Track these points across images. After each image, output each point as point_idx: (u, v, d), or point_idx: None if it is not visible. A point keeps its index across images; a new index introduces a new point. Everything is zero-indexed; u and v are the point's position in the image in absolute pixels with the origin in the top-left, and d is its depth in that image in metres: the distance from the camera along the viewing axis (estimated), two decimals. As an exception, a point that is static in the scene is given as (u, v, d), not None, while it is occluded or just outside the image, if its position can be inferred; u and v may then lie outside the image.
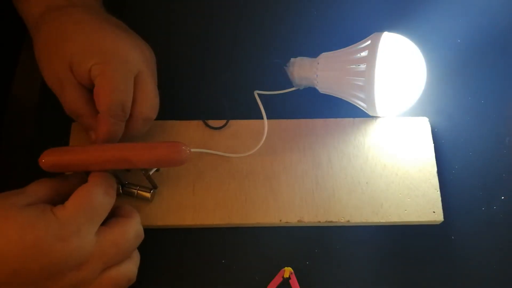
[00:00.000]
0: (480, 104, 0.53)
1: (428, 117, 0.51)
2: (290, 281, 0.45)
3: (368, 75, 0.45)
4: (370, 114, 0.48)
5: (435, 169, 0.48)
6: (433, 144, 0.49)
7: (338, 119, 0.51)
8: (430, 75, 0.48)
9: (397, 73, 0.45)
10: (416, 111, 0.51)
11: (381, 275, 0.46)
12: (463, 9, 0.57)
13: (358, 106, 0.49)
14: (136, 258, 0.42)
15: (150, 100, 0.45)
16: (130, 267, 0.41)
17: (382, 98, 0.46)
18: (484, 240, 0.47)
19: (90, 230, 0.37)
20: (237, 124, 0.51)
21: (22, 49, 0.55)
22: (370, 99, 0.46)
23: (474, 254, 0.47)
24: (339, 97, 0.50)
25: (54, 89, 0.44)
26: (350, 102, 0.49)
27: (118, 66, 0.42)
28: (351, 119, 0.51)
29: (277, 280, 0.45)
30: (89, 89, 0.44)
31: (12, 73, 0.54)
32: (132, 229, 0.40)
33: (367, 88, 0.45)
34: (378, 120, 0.51)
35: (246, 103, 0.51)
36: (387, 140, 0.50)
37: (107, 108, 0.42)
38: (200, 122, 0.51)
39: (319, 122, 0.51)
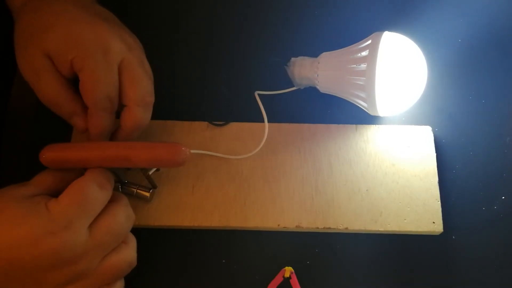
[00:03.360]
0: (480, 104, 0.53)
1: (428, 117, 0.51)
2: (291, 280, 0.45)
3: (369, 74, 0.45)
4: (371, 113, 0.48)
5: (436, 179, 0.48)
6: (435, 154, 0.49)
7: (340, 125, 0.50)
8: (431, 75, 0.48)
9: (398, 73, 0.45)
10: (417, 111, 0.51)
11: (381, 274, 0.46)
12: (464, 9, 0.57)
13: (359, 105, 0.49)
14: (132, 242, 0.41)
15: (140, 85, 0.44)
16: (129, 252, 0.41)
17: (382, 98, 0.46)
18: (484, 239, 0.47)
19: (82, 224, 0.37)
20: (238, 126, 0.50)
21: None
22: (370, 99, 0.46)
23: (475, 254, 0.47)
24: (340, 96, 0.49)
25: (29, 79, 0.43)
26: (351, 101, 0.49)
27: (99, 58, 0.42)
28: (354, 125, 0.50)
29: (277, 279, 0.45)
30: (68, 78, 0.43)
31: (12, 73, 0.54)
32: (122, 212, 0.40)
33: (368, 87, 0.45)
34: (381, 127, 0.50)
35: (246, 104, 0.51)
36: (389, 148, 0.49)
37: (95, 103, 0.42)
38: (201, 123, 0.50)
39: (321, 127, 0.50)
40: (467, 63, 0.54)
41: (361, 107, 0.49)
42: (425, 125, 0.51)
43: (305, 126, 0.50)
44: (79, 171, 0.42)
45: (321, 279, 0.45)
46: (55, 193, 0.38)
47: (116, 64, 0.43)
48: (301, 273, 0.45)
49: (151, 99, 0.45)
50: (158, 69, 0.53)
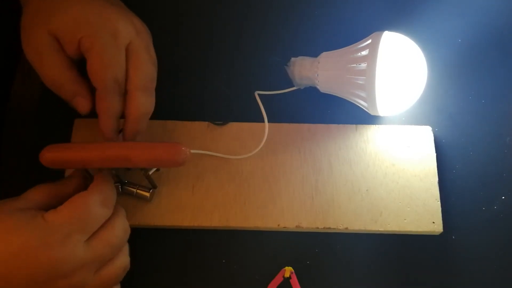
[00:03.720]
0: (480, 104, 0.53)
1: (428, 117, 0.51)
2: (291, 280, 0.45)
3: (369, 73, 0.45)
4: (371, 113, 0.48)
5: (436, 179, 0.48)
6: (435, 154, 0.49)
7: (340, 125, 0.50)
8: (431, 75, 0.48)
9: (398, 72, 0.45)
10: (417, 111, 0.51)
11: (381, 274, 0.46)
12: (463, 8, 0.57)
13: (359, 105, 0.49)
14: (125, 247, 0.41)
15: (143, 70, 0.44)
16: (124, 259, 0.40)
17: (383, 97, 0.46)
18: (484, 239, 0.47)
19: (80, 238, 0.37)
20: (238, 126, 0.50)
21: (22, 50, 0.55)
22: (371, 98, 0.46)
23: (475, 254, 0.47)
24: (340, 96, 0.49)
25: (33, 60, 0.43)
26: (351, 101, 0.49)
27: (107, 40, 0.42)
28: (354, 125, 0.50)
29: (277, 279, 0.45)
30: (72, 59, 0.43)
31: (12, 73, 0.54)
32: (120, 225, 0.40)
33: (368, 86, 0.45)
34: (381, 127, 0.50)
35: (246, 104, 0.51)
36: (389, 148, 0.49)
37: (103, 85, 0.42)
38: (201, 123, 0.50)
39: (321, 127, 0.50)
40: (467, 63, 0.54)
41: (361, 106, 0.49)
42: (425, 125, 0.51)
43: (305, 126, 0.50)
44: (72, 186, 0.41)
45: (321, 279, 0.45)
46: (47, 209, 0.38)
47: (124, 46, 0.43)
48: (301, 273, 0.45)
49: (152, 85, 0.45)
50: (158, 69, 0.53)
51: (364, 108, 0.48)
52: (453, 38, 0.56)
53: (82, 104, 0.44)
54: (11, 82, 0.54)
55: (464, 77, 0.54)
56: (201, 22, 0.57)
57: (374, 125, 0.50)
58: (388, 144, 0.50)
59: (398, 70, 0.45)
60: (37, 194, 0.39)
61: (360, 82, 0.46)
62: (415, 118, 0.52)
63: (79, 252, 0.36)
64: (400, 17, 0.57)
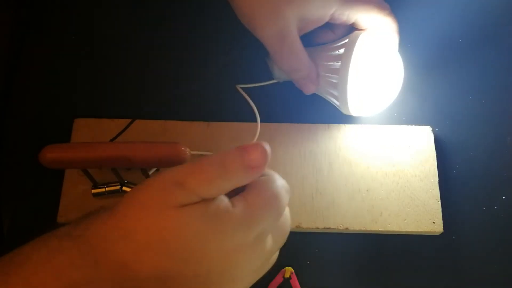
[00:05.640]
0: (481, 104, 0.53)
1: (428, 117, 0.51)
2: (291, 281, 0.45)
3: (342, 72, 0.44)
4: (344, 112, 0.48)
5: (436, 179, 0.48)
6: (435, 154, 0.49)
7: (341, 125, 0.50)
8: (431, 75, 0.48)
9: (372, 73, 0.45)
10: (417, 111, 0.51)
11: (381, 274, 0.46)
12: (464, 8, 0.57)
13: (332, 103, 0.48)
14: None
15: None
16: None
17: (355, 97, 0.45)
18: (485, 240, 0.47)
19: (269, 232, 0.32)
20: (237, 126, 0.50)
21: (22, 50, 0.55)
22: (342, 97, 0.45)
23: (475, 254, 0.47)
24: (316, 93, 0.49)
25: (273, 45, 0.45)
26: (326, 99, 0.49)
27: None
28: (354, 125, 0.50)
29: (277, 280, 0.45)
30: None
31: (13, 72, 0.54)
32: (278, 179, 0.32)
33: (340, 86, 0.45)
34: (381, 127, 0.50)
35: (246, 104, 0.51)
36: (390, 148, 0.49)
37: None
38: (201, 123, 0.50)
39: (321, 127, 0.50)
40: (467, 63, 0.54)
41: (335, 105, 0.48)
42: (425, 125, 0.51)
43: (305, 126, 0.50)
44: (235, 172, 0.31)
45: (321, 279, 0.45)
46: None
47: None
48: (301, 273, 0.45)
49: None
50: (158, 69, 0.54)
51: (337, 107, 0.48)
52: (454, 38, 0.56)
53: (309, 86, 0.47)
54: (11, 81, 0.54)
55: (464, 77, 0.54)
56: (201, 22, 0.57)
57: (375, 125, 0.50)
58: (388, 144, 0.49)
59: (372, 71, 0.45)
60: (200, 183, 0.29)
61: (334, 81, 0.45)
62: (415, 118, 0.51)
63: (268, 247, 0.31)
64: (398, 17, 0.56)
